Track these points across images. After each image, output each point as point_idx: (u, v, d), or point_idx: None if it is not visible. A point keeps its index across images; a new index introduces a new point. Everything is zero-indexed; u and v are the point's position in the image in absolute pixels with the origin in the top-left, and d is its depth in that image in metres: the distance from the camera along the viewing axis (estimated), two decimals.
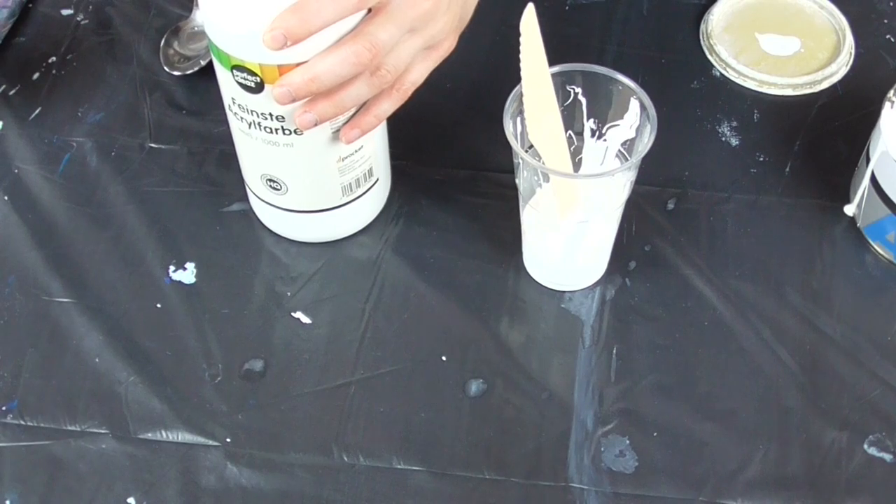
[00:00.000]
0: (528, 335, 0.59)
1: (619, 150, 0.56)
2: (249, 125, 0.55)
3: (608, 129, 0.56)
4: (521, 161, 0.53)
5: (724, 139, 0.68)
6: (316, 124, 0.52)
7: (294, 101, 0.50)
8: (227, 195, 0.65)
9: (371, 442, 0.55)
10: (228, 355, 0.58)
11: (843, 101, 0.70)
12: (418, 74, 0.53)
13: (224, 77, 0.53)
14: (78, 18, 0.76)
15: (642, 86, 0.54)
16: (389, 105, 0.54)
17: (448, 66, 0.54)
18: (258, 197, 0.61)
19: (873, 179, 0.59)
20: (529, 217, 0.57)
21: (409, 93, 0.53)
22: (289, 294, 0.61)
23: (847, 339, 0.58)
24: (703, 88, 0.71)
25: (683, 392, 0.57)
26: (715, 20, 0.74)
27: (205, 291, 0.61)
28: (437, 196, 0.65)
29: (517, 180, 0.56)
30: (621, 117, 0.55)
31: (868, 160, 0.59)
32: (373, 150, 0.59)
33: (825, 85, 0.70)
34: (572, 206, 0.55)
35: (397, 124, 0.61)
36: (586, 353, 0.58)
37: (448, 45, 0.54)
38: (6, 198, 0.66)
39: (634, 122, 0.54)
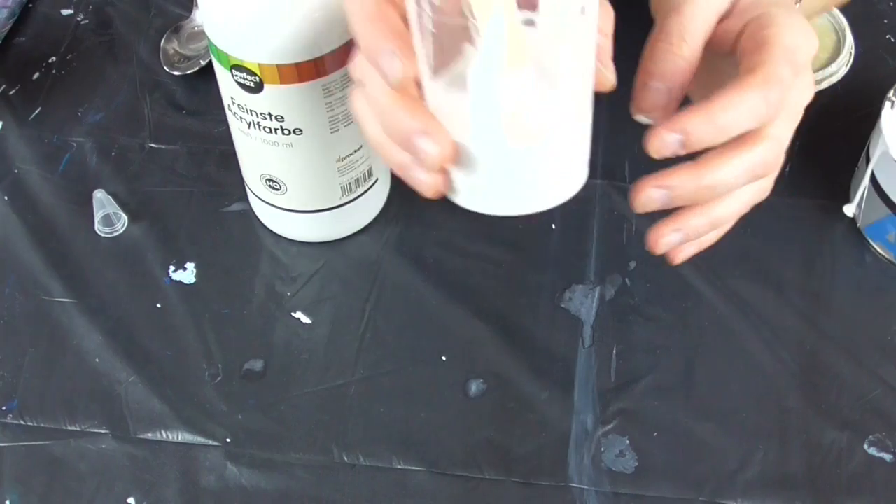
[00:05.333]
0: (528, 335, 0.59)
1: None
2: (249, 125, 0.55)
3: None
4: None
5: None
6: (677, 243, 0.42)
7: (662, 206, 0.41)
8: (227, 195, 0.65)
9: (371, 442, 0.55)
10: (228, 355, 0.58)
11: (843, 101, 0.69)
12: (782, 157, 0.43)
13: (223, 77, 0.53)
14: (78, 18, 0.76)
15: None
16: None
17: None
18: (258, 197, 0.61)
19: (873, 179, 0.59)
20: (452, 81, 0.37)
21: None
22: (289, 294, 0.61)
23: (847, 339, 0.58)
24: None
25: (683, 392, 0.57)
26: None
27: (205, 291, 0.61)
28: None
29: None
30: None
31: (868, 160, 0.59)
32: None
33: (825, 85, 0.70)
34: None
35: None
36: (586, 353, 0.58)
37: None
38: (6, 198, 0.66)
39: None
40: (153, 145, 0.69)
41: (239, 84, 0.52)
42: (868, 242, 0.62)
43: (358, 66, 0.39)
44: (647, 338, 0.59)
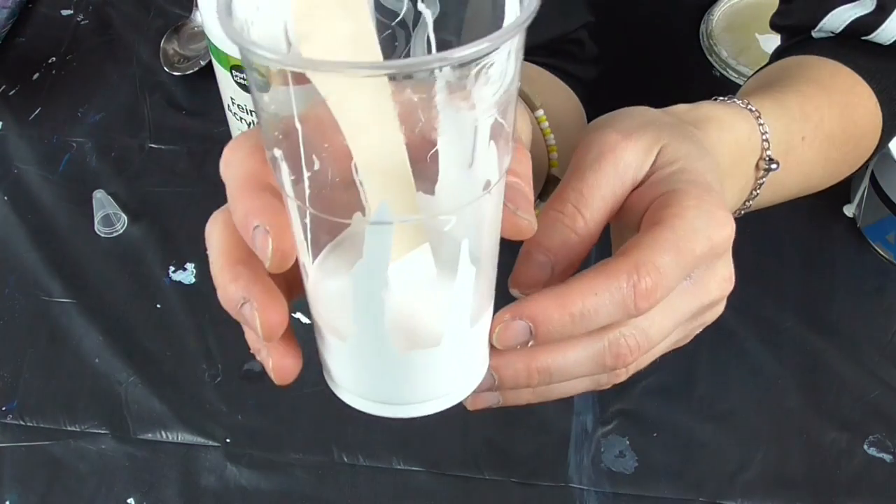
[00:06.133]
0: None
1: (498, 122, 0.29)
2: (249, 125, 0.55)
3: (476, 77, 0.27)
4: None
5: None
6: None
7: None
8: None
9: (371, 442, 0.55)
10: (228, 355, 0.58)
11: None
12: (656, 353, 0.36)
13: (223, 77, 0.53)
14: (78, 18, 0.76)
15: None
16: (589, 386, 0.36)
17: None
18: None
19: (873, 179, 0.59)
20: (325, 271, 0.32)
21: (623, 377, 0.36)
22: None
23: (847, 339, 0.58)
24: (703, 88, 0.71)
25: (683, 392, 0.56)
26: (715, 20, 0.74)
27: (205, 291, 0.61)
28: None
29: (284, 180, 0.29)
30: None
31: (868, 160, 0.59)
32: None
33: None
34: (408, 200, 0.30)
35: None
36: None
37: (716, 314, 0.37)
38: (6, 198, 0.66)
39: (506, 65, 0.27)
40: (153, 145, 0.69)
41: (239, 84, 0.52)
42: (868, 242, 0.62)
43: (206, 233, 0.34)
44: None
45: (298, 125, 0.27)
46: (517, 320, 0.31)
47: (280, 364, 0.32)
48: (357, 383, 0.33)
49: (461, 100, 0.27)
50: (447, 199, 0.29)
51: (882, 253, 0.61)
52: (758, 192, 0.42)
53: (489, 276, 0.31)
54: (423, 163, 0.29)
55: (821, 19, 0.49)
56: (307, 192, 0.28)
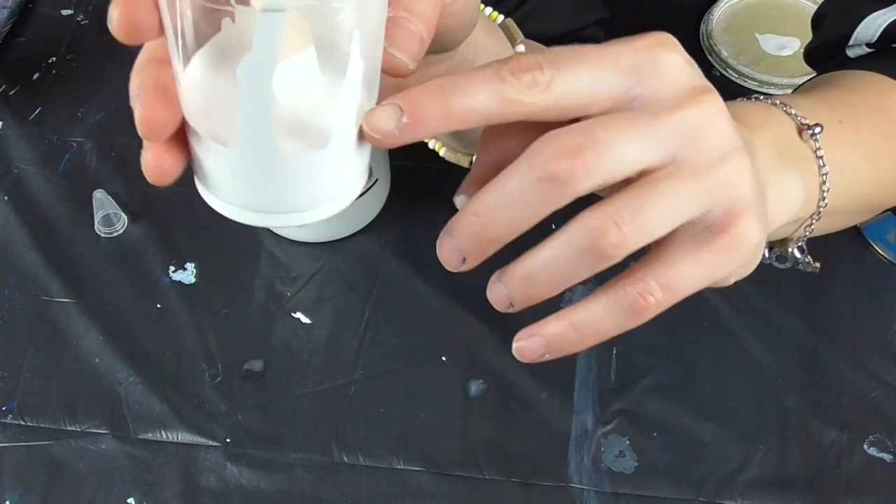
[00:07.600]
0: None
1: None
2: None
3: None
4: None
5: None
6: (510, 305, 0.34)
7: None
8: None
9: (371, 442, 0.55)
10: (228, 355, 0.58)
11: None
12: (685, 278, 0.32)
13: None
14: (78, 18, 0.76)
15: None
16: (607, 314, 0.33)
17: None
18: None
19: None
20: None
21: (653, 308, 0.32)
22: (289, 294, 0.61)
23: (847, 339, 0.58)
24: None
25: (683, 392, 0.57)
26: (715, 20, 0.74)
27: (205, 291, 0.61)
28: (437, 196, 0.65)
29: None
30: None
31: None
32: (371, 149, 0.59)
33: None
34: None
35: None
36: (586, 353, 0.58)
37: (751, 232, 0.32)
38: (6, 198, 0.66)
39: None
40: None
41: None
42: (868, 242, 0.62)
43: None
44: (647, 338, 0.59)
45: None
46: (383, 105, 0.30)
47: (156, 162, 0.31)
48: (240, 192, 0.32)
49: None
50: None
51: (882, 253, 0.61)
52: (824, 164, 0.38)
53: (375, 76, 0.30)
54: None
55: (854, 28, 0.47)
56: None
